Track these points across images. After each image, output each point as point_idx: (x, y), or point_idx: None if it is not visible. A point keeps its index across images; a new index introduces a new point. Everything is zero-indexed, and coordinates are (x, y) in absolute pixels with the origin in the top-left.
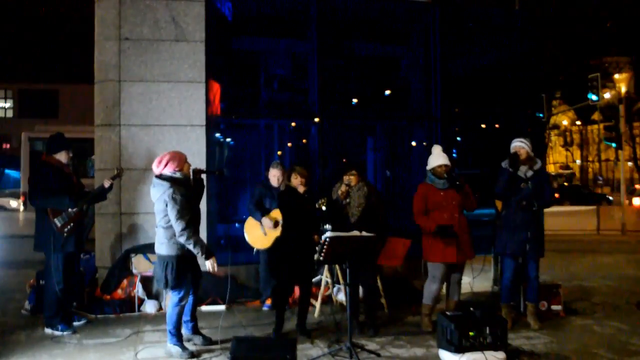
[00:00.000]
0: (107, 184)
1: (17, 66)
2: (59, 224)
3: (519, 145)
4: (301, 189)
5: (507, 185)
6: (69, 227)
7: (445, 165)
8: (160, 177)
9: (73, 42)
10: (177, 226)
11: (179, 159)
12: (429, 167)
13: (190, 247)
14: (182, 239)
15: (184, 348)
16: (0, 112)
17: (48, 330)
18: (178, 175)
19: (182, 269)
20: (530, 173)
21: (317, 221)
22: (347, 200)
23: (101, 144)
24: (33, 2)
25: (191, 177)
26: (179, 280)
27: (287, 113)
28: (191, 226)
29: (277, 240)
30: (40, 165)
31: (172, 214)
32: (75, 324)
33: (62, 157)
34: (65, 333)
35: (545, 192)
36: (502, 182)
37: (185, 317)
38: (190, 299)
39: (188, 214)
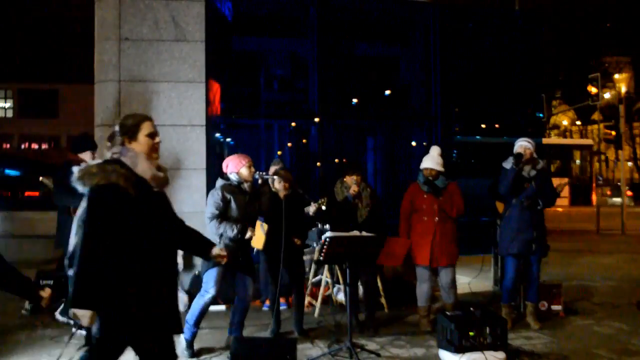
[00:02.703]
0: None
1: (17, 66)
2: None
3: (525, 145)
4: (282, 194)
5: (512, 185)
6: None
7: (432, 170)
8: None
9: (73, 42)
10: (205, 216)
11: (236, 162)
12: (421, 166)
13: (221, 236)
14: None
15: (190, 345)
16: (0, 112)
17: (83, 332)
18: (232, 176)
19: (214, 263)
20: (533, 173)
21: (302, 224)
22: (355, 200)
23: (101, 144)
24: (33, 2)
25: (251, 181)
26: (205, 272)
27: (287, 113)
28: (217, 218)
29: (265, 245)
30: (65, 164)
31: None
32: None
33: (86, 156)
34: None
35: (547, 191)
36: (507, 182)
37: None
38: (238, 304)
39: (218, 209)
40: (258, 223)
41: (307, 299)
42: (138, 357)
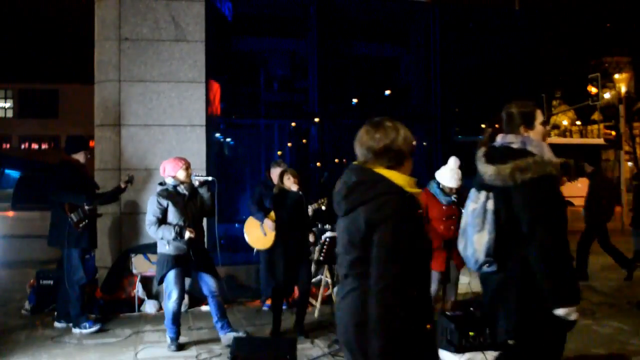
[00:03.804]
0: (123, 185)
1: (17, 66)
2: (75, 219)
3: None
4: (295, 188)
5: None
6: (83, 223)
7: (457, 189)
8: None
9: (73, 42)
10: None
11: (172, 165)
12: (439, 179)
13: (162, 240)
14: (151, 234)
15: (174, 340)
16: (0, 112)
17: (76, 331)
18: (168, 180)
19: (167, 267)
20: None
21: (311, 221)
22: None
23: (101, 144)
24: (33, 2)
25: (188, 182)
26: (162, 278)
27: (287, 113)
28: (155, 224)
29: (274, 241)
30: (60, 164)
31: None
32: (90, 330)
33: (80, 157)
34: (93, 329)
35: None
36: None
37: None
38: (210, 301)
39: (155, 215)
40: (257, 223)
41: None
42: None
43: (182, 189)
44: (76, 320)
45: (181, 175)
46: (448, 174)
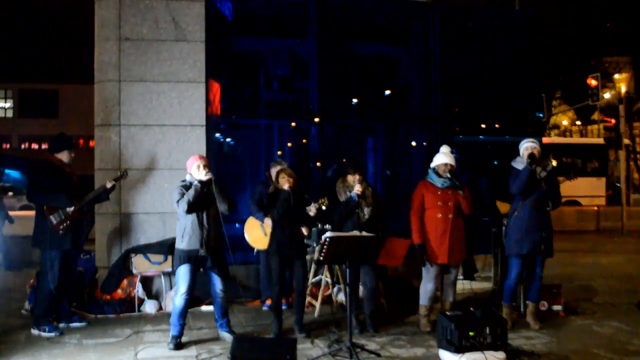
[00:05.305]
0: (109, 185)
1: (17, 66)
2: (54, 222)
3: (533, 145)
4: (286, 187)
5: (527, 184)
6: (64, 225)
7: (451, 165)
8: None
9: (73, 42)
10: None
11: (189, 162)
12: (432, 164)
13: (189, 198)
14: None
15: (175, 338)
16: (0, 112)
17: (34, 331)
18: (187, 177)
19: (180, 262)
20: (544, 173)
21: (307, 219)
22: (360, 199)
23: (101, 144)
24: (33, 2)
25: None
26: (175, 272)
27: (287, 113)
28: (181, 200)
29: (270, 240)
30: (41, 163)
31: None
32: (76, 325)
33: (63, 156)
34: (51, 335)
35: (556, 192)
36: (521, 182)
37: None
38: (214, 301)
39: (180, 194)
40: (258, 223)
41: (307, 299)
42: None
43: (197, 184)
44: (36, 320)
45: (194, 172)
46: (441, 155)
